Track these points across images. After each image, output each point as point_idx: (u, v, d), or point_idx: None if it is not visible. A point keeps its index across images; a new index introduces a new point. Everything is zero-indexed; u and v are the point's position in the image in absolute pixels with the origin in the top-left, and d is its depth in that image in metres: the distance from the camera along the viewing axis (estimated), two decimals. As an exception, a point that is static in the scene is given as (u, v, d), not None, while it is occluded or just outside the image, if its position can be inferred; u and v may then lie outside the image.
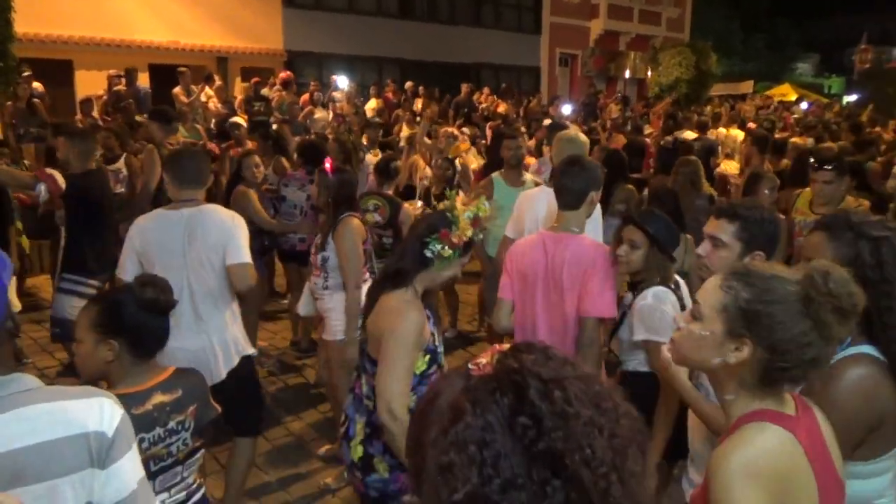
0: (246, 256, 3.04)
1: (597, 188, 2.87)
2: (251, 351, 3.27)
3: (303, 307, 4.09)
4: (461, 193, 2.36)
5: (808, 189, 4.21)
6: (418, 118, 11.40)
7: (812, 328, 1.28)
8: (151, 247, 2.99)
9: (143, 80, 11.97)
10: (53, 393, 1.41)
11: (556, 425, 0.80)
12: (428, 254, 2.24)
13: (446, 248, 2.22)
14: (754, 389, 1.36)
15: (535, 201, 3.86)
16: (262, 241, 5.27)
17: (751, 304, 1.33)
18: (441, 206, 2.33)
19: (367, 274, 3.83)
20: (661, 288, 2.66)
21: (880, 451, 1.65)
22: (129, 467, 1.44)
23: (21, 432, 1.32)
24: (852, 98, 21.05)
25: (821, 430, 1.38)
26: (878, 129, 11.11)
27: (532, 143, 8.35)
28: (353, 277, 3.62)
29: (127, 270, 2.98)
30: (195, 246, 2.99)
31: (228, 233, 3.04)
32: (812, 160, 4.21)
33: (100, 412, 1.40)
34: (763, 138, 6.46)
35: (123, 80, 10.47)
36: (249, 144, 6.86)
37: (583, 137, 4.11)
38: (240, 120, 8.16)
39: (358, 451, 2.33)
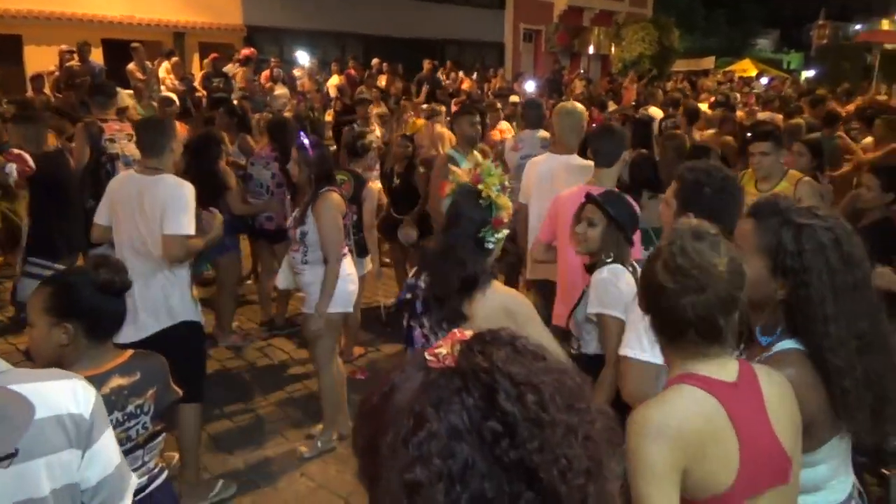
0: (180, 228, 3.18)
1: (626, 149, 3.56)
2: (192, 318, 3.38)
3: (282, 280, 4.10)
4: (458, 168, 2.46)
5: (750, 169, 4.17)
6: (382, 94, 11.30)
7: (652, 279, 1.44)
8: (115, 202, 3.37)
9: (97, 56, 11.58)
10: (25, 375, 1.40)
11: (531, 434, 0.74)
12: (490, 245, 2.27)
13: (501, 230, 2.28)
14: (679, 352, 1.46)
15: (541, 168, 4.25)
16: (236, 223, 5.13)
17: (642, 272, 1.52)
18: (449, 186, 2.33)
19: (346, 247, 3.86)
20: (617, 265, 2.67)
21: (817, 444, 1.62)
22: (110, 445, 1.47)
23: None
24: (811, 73, 21.41)
25: (762, 401, 1.41)
26: (834, 104, 11.31)
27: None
28: (333, 251, 3.63)
29: (101, 215, 3.44)
30: (143, 210, 3.24)
31: (169, 203, 3.20)
32: (749, 134, 4.31)
33: (73, 394, 1.40)
34: (694, 111, 6.73)
35: (76, 56, 10.12)
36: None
37: (580, 107, 4.48)
38: (172, 96, 7.94)
39: None
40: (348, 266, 3.83)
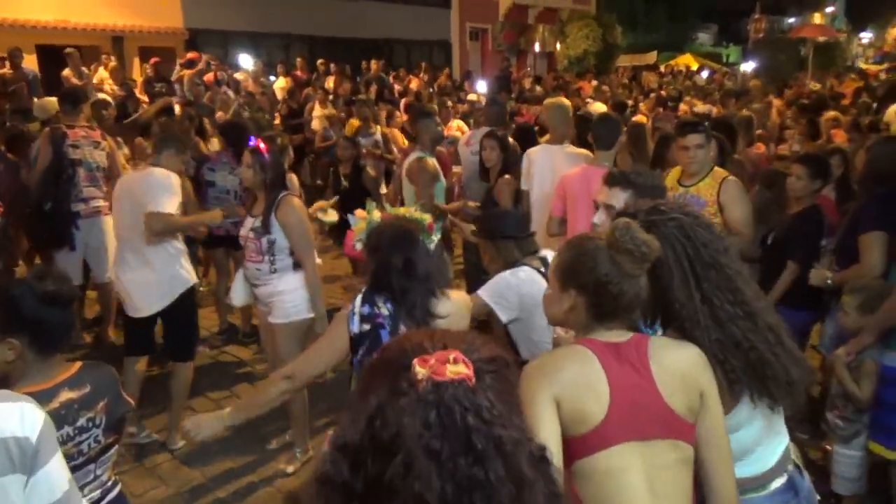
0: (159, 206, 3.70)
1: (621, 134, 4.24)
2: (187, 286, 3.97)
3: (238, 296, 3.90)
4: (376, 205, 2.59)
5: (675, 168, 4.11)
6: (331, 96, 11.22)
7: (612, 269, 1.59)
8: (114, 199, 4.11)
9: (31, 63, 11.19)
10: None
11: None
12: (432, 247, 2.41)
13: (435, 232, 2.47)
14: (589, 327, 1.66)
15: (539, 157, 4.74)
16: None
17: (568, 262, 1.68)
18: (360, 225, 2.46)
19: None
20: (518, 267, 2.98)
21: (727, 410, 1.70)
22: (58, 469, 1.43)
23: None
24: (749, 66, 22.05)
25: (646, 362, 1.58)
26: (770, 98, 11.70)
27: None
28: (309, 253, 3.59)
29: None
30: (135, 200, 3.80)
31: (154, 187, 3.78)
32: (680, 126, 4.13)
33: (20, 417, 1.37)
34: (621, 104, 6.94)
35: (8, 64, 9.76)
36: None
37: (567, 101, 5.23)
38: (108, 98, 7.73)
39: None
40: None
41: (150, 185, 3.79)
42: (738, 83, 16.05)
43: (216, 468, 3.79)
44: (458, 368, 0.91)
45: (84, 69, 10.05)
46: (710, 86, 15.83)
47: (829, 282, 3.50)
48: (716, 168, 3.82)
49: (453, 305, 2.40)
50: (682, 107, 10.60)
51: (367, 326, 2.28)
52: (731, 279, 1.76)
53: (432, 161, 4.90)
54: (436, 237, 2.46)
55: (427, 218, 2.45)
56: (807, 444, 3.55)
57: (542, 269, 2.98)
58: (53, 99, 6.19)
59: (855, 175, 4.35)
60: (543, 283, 2.91)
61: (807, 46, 20.10)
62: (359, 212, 2.51)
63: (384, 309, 2.29)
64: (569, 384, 1.53)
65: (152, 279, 3.87)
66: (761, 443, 1.82)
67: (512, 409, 0.95)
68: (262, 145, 3.62)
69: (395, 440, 0.89)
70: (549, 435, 1.46)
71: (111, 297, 5.38)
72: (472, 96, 10.85)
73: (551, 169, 4.55)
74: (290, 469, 3.75)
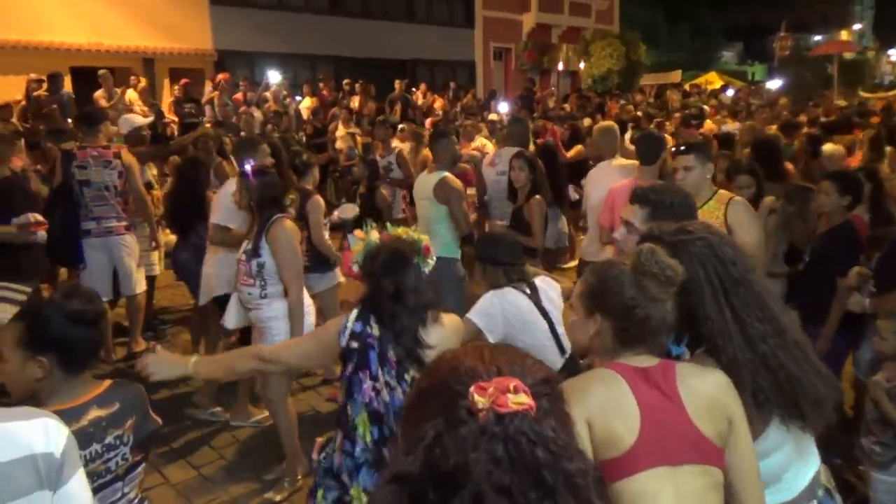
0: (217, 220, 4.23)
1: (664, 150, 4.50)
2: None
3: (232, 319, 3.86)
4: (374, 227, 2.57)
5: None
6: (355, 116, 11.34)
7: (638, 293, 1.59)
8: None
9: (65, 84, 11.48)
10: None
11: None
12: (426, 271, 2.42)
13: (431, 256, 2.45)
14: (612, 352, 1.66)
15: (593, 172, 5.17)
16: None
17: (593, 287, 1.68)
18: (357, 246, 2.44)
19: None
20: (505, 288, 3.06)
21: (756, 434, 1.68)
22: (80, 486, 1.44)
23: None
24: (774, 84, 21.90)
25: (675, 387, 1.57)
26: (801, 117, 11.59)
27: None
28: (295, 280, 3.50)
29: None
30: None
31: (222, 200, 4.17)
32: (674, 146, 4.10)
33: (45, 433, 1.37)
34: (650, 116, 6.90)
35: (45, 85, 10.01)
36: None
37: (614, 125, 5.69)
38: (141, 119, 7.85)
39: None
40: (306, 296, 3.72)
41: (222, 196, 4.23)
42: (765, 101, 15.90)
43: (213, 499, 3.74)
44: (520, 399, 0.88)
45: (116, 90, 10.28)
46: (737, 105, 15.69)
47: (866, 308, 3.44)
48: (720, 191, 3.65)
49: (445, 330, 2.39)
50: (708, 124, 10.53)
51: (355, 344, 2.31)
52: (760, 296, 1.75)
53: (455, 178, 4.92)
54: (432, 260, 2.45)
55: (424, 239, 2.43)
56: (841, 469, 3.46)
57: (528, 292, 3.06)
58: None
59: (886, 194, 4.29)
60: (528, 306, 3.04)
61: (833, 64, 19.90)
62: (357, 232, 2.51)
63: (376, 329, 2.31)
64: (599, 407, 1.52)
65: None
66: (789, 469, 1.79)
67: (570, 433, 0.94)
68: (247, 168, 3.62)
69: (458, 472, 0.86)
70: None
71: (137, 310, 5.51)
72: (492, 116, 10.88)
73: (602, 182, 4.79)
74: (279, 498, 3.65)
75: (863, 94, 13.59)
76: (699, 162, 3.53)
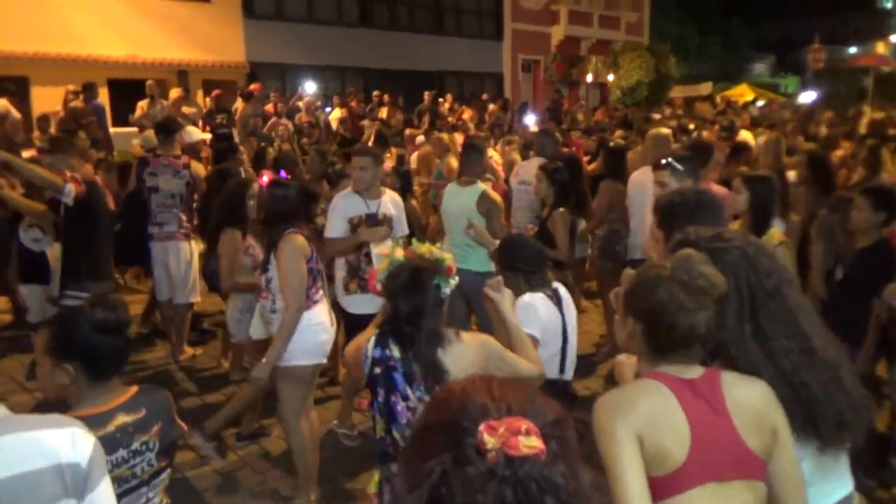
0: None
1: (712, 158, 5.24)
2: None
3: (255, 329, 3.88)
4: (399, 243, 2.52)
5: None
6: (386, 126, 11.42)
7: (669, 299, 1.57)
8: None
9: (102, 96, 11.77)
10: (23, 423, 1.40)
11: None
12: (447, 292, 2.34)
13: (453, 277, 2.37)
14: (650, 357, 1.65)
15: (640, 179, 5.12)
16: None
17: (630, 288, 1.69)
18: (382, 264, 2.38)
19: (318, 293, 3.61)
20: (534, 293, 3.00)
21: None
22: (106, 494, 1.45)
23: None
24: (808, 96, 21.56)
25: (722, 399, 1.54)
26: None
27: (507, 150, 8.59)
28: (293, 298, 3.35)
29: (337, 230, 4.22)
30: None
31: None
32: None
33: (72, 442, 1.39)
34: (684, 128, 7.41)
35: (81, 97, 10.27)
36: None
37: (665, 130, 5.89)
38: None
39: None
40: (320, 314, 3.55)
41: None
42: (799, 114, 15.65)
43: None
44: (531, 443, 0.84)
45: (163, 101, 10.57)
46: (770, 117, 15.43)
47: None
48: None
49: (465, 349, 2.30)
50: (744, 134, 10.38)
51: (378, 370, 2.27)
52: (791, 311, 1.71)
53: (493, 191, 4.92)
54: (454, 280, 2.36)
55: (448, 258, 2.37)
56: (877, 489, 3.37)
57: (551, 296, 3.04)
58: (151, 132, 6.77)
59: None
60: (552, 313, 2.99)
61: (869, 76, 19.54)
62: (383, 248, 2.46)
63: (396, 351, 2.26)
64: (648, 421, 1.49)
65: None
66: (812, 482, 1.72)
67: (580, 478, 0.89)
68: (264, 181, 3.64)
69: None
70: (633, 476, 1.43)
71: (182, 320, 5.71)
72: (534, 127, 10.91)
73: (649, 185, 4.84)
74: None
75: None
76: (676, 178, 3.49)
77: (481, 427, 0.86)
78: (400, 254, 2.38)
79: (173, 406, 2.29)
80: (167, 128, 5.81)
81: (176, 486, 3.64)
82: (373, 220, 4.16)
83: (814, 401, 1.66)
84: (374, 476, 2.44)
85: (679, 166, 3.50)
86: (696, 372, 1.58)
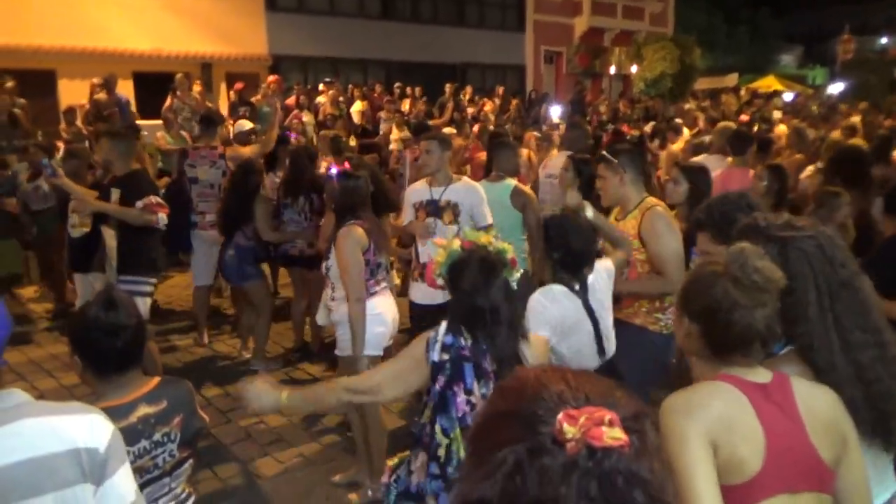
0: None
1: (752, 145, 5.97)
2: None
3: (320, 316, 3.95)
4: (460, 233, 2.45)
5: None
6: (406, 118, 11.42)
7: (724, 297, 1.49)
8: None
9: (128, 89, 11.89)
10: (43, 408, 1.44)
11: None
12: (514, 285, 2.26)
13: (518, 268, 2.30)
14: (709, 359, 1.57)
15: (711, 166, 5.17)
16: (259, 251, 5.36)
17: (684, 287, 1.63)
18: (440, 255, 2.28)
19: (379, 286, 3.65)
20: (550, 286, 2.83)
21: None
22: (125, 480, 1.47)
23: (14, 447, 1.34)
24: (837, 87, 21.14)
25: (795, 406, 1.48)
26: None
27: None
28: (353, 289, 3.40)
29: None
30: None
31: None
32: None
33: (90, 428, 1.42)
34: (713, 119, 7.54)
35: (104, 89, 10.39)
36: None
37: (731, 124, 6.79)
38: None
39: None
40: (378, 305, 3.58)
41: None
42: (825, 106, 15.35)
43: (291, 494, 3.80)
44: (615, 434, 0.79)
45: (193, 94, 10.70)
46: (804, 110, 15.15)
47: None
48: (648, 198, 3.46)
49: (532, 349, 2.28)
50: (781, 128, 10.23)
51: (446, 356, 2.17)
52: (865, 303, 1.66)
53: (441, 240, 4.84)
54: (518, 272, 2.28)
55: (509, 249, 2.27)
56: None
57: (576, 289, 2.83)
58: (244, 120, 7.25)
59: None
60: (574, 307, 2.81)
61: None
62: (438, 240, 2.39)
63: (469, 341, 2.18)
64: (723, 426, 1.41)
65: None
66: None
67: (665, 474, 0.84)
68: (333, 172, 3.63)
69: (542, 502, 0.78)
70: (708, 487, 1.36)
71: (204, 303, 6.03)
72: (534, 133, 10.86)
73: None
74: (358, 500, 3.66)
75: None
76: (610, 171, 3.45)
77: (560, 416, 0.80)
78: (457, 244, 2.28)
79: (195, 398, 2.32)
80: (210, 120, 6.09)
81: (208, 472, 3.74)
82: (433, 207, 4.13)
83: (887, 397, 1.60)
84: (404, 454, 2.42)
85: (613, 159, 3.45)
86: (765, 376, 1.52)
